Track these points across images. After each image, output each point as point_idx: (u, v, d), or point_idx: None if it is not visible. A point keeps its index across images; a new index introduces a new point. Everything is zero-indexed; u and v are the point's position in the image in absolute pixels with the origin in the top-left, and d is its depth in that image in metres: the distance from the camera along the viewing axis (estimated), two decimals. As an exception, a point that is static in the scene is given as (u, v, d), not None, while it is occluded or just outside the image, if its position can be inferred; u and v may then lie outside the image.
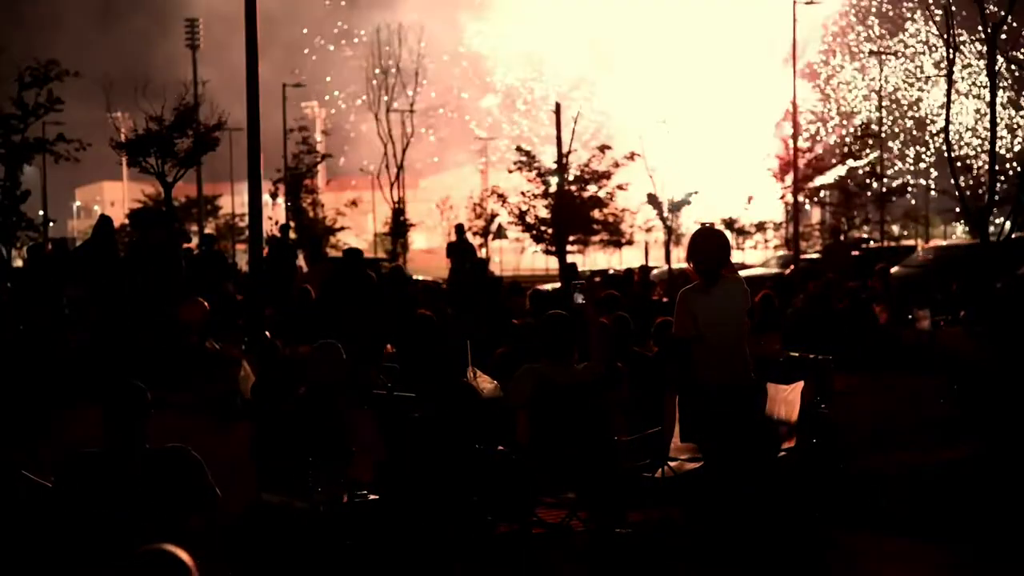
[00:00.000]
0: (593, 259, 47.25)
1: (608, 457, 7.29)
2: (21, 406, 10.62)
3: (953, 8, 20.17)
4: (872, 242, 42.93)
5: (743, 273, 10.53)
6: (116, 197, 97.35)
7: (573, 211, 34.06)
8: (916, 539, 7.54)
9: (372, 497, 6.44)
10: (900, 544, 7.47)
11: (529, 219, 35.06)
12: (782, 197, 43.34)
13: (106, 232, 14.42)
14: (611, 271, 31.24)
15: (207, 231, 48.94)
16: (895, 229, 63.58)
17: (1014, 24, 22.15)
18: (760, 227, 47.55)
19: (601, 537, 7.15)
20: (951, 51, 20.29)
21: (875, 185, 45.42)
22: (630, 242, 38.52)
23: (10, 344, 12.86)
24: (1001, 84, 43.08)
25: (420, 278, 27.99)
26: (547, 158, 36.50)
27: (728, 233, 17.36)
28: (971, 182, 46.63)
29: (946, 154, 20.09)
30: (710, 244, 7.44)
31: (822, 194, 46.27)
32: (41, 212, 45.20)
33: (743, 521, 7.10)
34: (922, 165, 63.27)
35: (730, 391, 7.16)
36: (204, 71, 51.10)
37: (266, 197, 35.63)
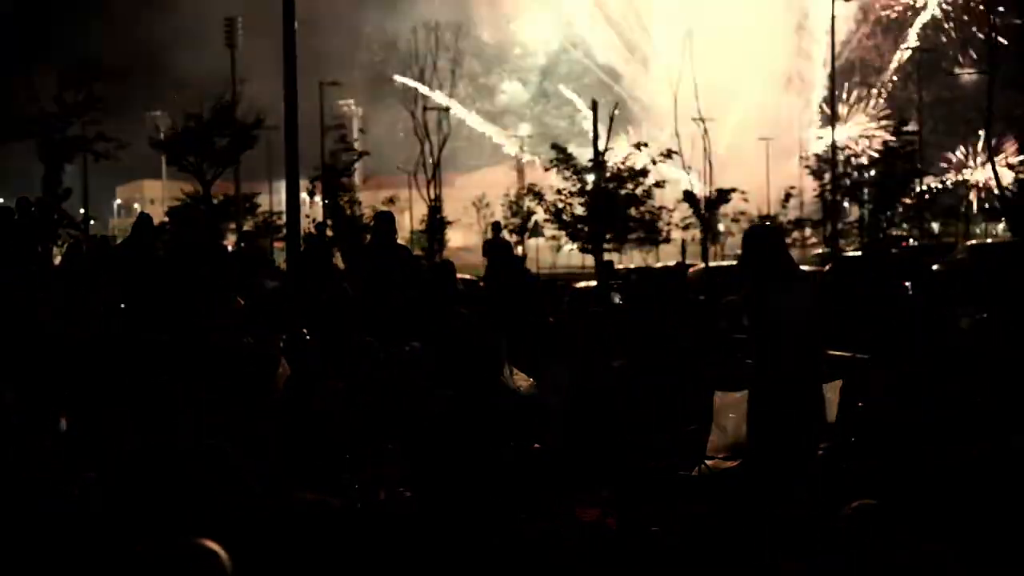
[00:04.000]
0: (630, 256, 47.17)
1: (640, 455, 7.28)
2: (55, 404, 10.69)
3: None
4: (912, 240, 42.59)
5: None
6: (156, 195, 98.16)
7: (610, 209, 34.04)
8: (952, 539, 7.46)
9: (407, 494, 6.47)
10: (936, 544, 7.39)
11: (565, 216, 35.04)
12: (820, 194, 43.07)
13: (146, 230, 14.52)
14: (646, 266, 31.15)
15: (245, 228, 49.25)
16: (935, 227, 63.00)
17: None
18: (798, 224, 47.32)
19: (634, 535, 7.14)
20: (992, 48, 20.08)
21: (915, 182, 45.05)
22: (667, 240, 38.44)
23: (48, 342, 12.96)
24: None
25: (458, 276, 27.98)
26: (581, 154, 36.46)
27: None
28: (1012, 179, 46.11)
29: (986, 151, 19.91)
30: (780, 241, 7.34)
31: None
32: (82, 210, 45.69)
33: (781, 520, 7.06)
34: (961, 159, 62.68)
35: (807, 392, 7.09)
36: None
37: (304, 195, 35.84)
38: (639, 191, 34.49)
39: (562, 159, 34.81)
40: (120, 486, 5.03)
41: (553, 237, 40.56)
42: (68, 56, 31.30)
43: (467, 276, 27.42)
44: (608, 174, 34.25)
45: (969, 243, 37.20)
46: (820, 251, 40.87)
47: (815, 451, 7.90)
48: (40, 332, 12.92)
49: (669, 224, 37.47)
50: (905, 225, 48.08)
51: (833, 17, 37.41)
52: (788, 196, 42.73)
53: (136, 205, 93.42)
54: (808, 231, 48.26)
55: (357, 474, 6.62)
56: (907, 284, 18.70)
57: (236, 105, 31.09)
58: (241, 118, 28.97)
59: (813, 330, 7.17)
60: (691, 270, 30.21)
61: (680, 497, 7.62)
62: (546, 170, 36.91)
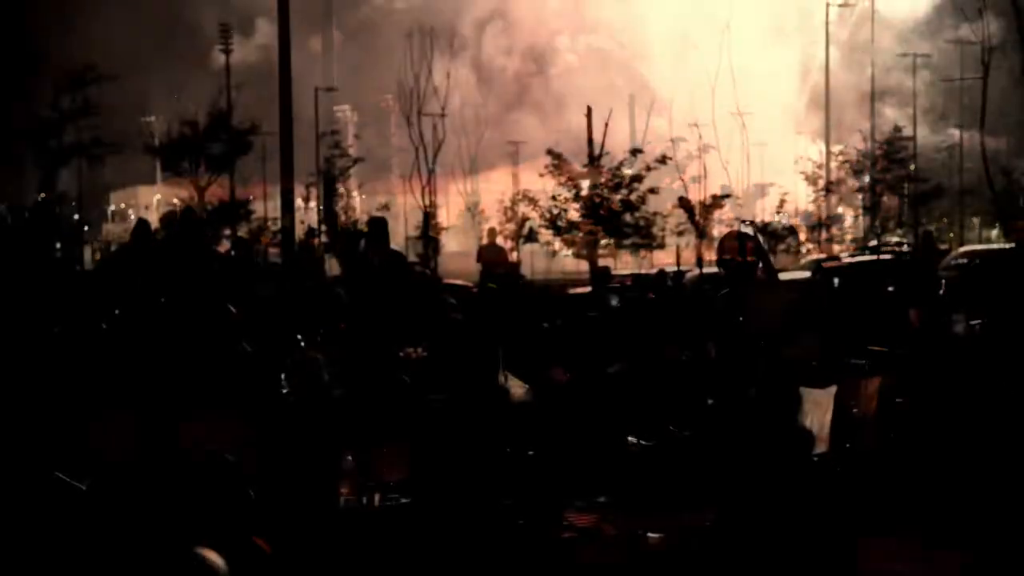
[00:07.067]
0: (624, 262, 47.03)
1: (637, 460, 7.28)
2: (56, 411, 10.68)
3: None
4: (906, 245, 42.58)
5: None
6: (150, 201, 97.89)
7: (604, 214, 34.04)
8: (945, 545, 7.47)
9: (403, 500, 6.47)
10: (928, 551, 7.41)
11: (560, 223, 35.07)
12: (815, 200, 43.09)
13: (144, 236, 14.50)
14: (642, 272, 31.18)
15: (240, 234, 49.17)
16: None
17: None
18: (791, 230, 47.25)
19: (631, 541, 7.14)
20: (987, 52, 20.14)
21: (908, 187, 45.02)
22: (661, 245, 38.43)
23: (46, 347, 12.95)
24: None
25: (451, 282, 28.00)
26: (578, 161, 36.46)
27: (760, 236, 17.45)
28: (1007, 185, 46.11)
29: (982, 156, 19.98)
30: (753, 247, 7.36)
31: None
32: (76, 216, 45.57)
33: (774, 526, 7.05)
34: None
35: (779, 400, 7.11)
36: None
37: (298, 201, 35.84)
38: (634, 197, 34.47)
39: (557, 165, 34.79)
40: (120, 491, 5.03)
41: (548, 242, 40.53)
42: (62, 60, 31.30)
43: (459, 282, 27.42)
44: (603, 179, 34.23)
45: (964, 249, 37.25)
46: (814, 257, 40.80)
47: (803, 457, 7.91)
48: (40, 337, 12.89)
49: (664, 230, 37.38)
50: (900, 231, 48.02)
51: (828, 22, 37.55)
52: (782, 202, 42.65)
53: (131, 211, 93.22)
54: (803, 236, 48.12)
55: (360, 477, 6.62)
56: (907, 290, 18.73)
57: (231, 111, 31.23)
58: (236, 124, 29.09)
59: (783, 335, 7.18)
60: (687, 275, 30.21)
61: (679, 503, 7.61)
62: (541, 176, 36.89)
